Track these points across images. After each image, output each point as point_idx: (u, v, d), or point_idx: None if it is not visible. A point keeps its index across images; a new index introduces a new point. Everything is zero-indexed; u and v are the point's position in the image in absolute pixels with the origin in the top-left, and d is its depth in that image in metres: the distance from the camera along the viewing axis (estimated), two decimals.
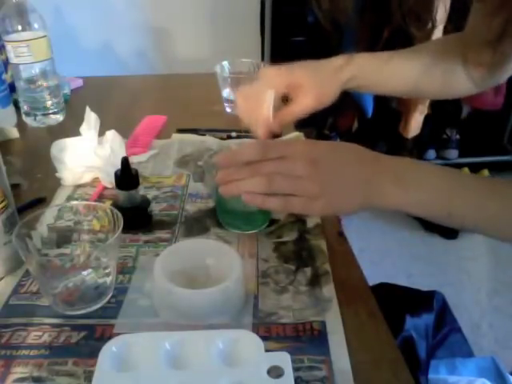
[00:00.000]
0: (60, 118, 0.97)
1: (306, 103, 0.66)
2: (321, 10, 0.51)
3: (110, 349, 0.43)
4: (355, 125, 2.27)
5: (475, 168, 2.30)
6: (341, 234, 0.64)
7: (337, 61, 0.68)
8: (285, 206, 0.51)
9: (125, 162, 0.62)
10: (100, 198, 0.71)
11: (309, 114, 0.67)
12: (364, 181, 0.50)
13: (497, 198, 0.49)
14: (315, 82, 0.66)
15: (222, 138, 0.88)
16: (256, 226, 0.64)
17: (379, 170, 0.51)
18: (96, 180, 0.74)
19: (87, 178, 0.74)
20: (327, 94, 0.67)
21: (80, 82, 1.17)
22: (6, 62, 0.93)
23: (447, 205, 0.49)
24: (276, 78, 0.65)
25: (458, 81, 0.71)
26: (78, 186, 0.73)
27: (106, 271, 0.52)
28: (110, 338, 0.46)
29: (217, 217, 0.66)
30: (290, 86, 0.65)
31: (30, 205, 0.68)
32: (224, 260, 0.53)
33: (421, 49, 0.73)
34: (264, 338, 0.45)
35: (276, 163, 0.51)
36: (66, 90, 1.08)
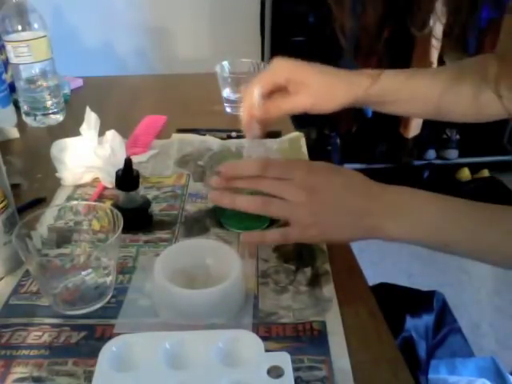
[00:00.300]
0: (60, 117, 0.97)
1: (300, 102, 0.65)
2: (343, 31, 0.50)
3: (109, 349, 0.43)
4: (355, 125, 2.27)
5: (475, 168, 2.31)
6: None
7: (360, 76, 0.66)
8: (285, 237, 0.53)
9: (128, 163, 0.62)
10: (100, 198, 0.71)
11: (300, 114, 0.67)
12: (359, 216, 0.51)
13: (496, 226, 0.49)
14: (322, 88, 0.65)
15: (222, 138, 0.88)
16: (256, 226, 0.64)
17: (377, 204, 0.51)
18: (96, 180, 0.74)
19: (87, 178, 0.74)
20: (328, 103, 0.66)
21: (80, 82, 1.17)
22: (6, 62, 0.93)
23: (444, 237, 0.50)
24: (283, 69, 0.65)
25: (489, 103, 0.66)
26: (78, 186, 0.73)
27: (106, 271, 0.52)
28: (110, 338, 0.46)
29: (217, 217, 0.66)
30: (292, 80, 0.65)
31: (29, 205, 0.68)
32: (224, 260, 0.53)
33: (446, 68, 0.71)
34: (264, 338, 0.45)
35: (274, 185, 0.52)
36: (66, 90, 1.08)
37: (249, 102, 0.65)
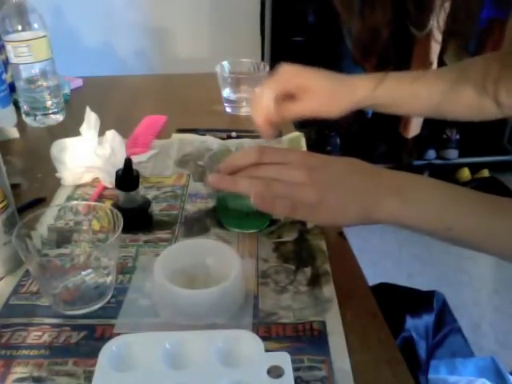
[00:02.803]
0: (60, 117, 0.97)
1: (307, 107, 0.67)
2: (351, 34, 0.50)
3: (110, 348, 0.43)
4: (355, 125, 2.27)
5: (475, 168, 2.30)
6: (341, 234, 0.64)
7: (363, 80, 0.68)
8: (291, 210, 0.50)
9: (128, 163, 0.62)
10: (100, 198, 0.71)
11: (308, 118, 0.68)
12: (363, 192, 0.49)
13: (505, 217, 0.47)
14: (326, 92, 0.67)
15: (222, 138, 0.88)
16: (256, 226, 0.64)
17: (379, 182, 0.50)
18: (96, 180, 0.74)
19: (87, 178, 0.74)
20: (333, 107, 0.68)
21: (80, 82, 1.17)
22: (6, 62, 0.93)
23: (448, 219, 0.48)
24: (292, 75, 0.67)
25: (488, 108, 0.67)
26: (78, 186, 0.73)
27: (106, 271, 0.52)
28: (110, 337, 0.46)
29: (217, 217, 0.66)
30: (299, 86, 0.67)
31: (30, 205, 0.68)
32: (224, 260, 0.53)
33: (450, 70, 0.72)
34: (264, 338, 0.45)
35: (275, 167, 0.51)
36: (66, 90, 1.08)
37: (263, 105, 0.67)
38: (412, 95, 0.70)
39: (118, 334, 0.47)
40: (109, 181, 0.71)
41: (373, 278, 0.65)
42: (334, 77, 0.69)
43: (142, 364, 0.42)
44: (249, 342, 0.43)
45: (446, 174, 2.28)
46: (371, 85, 0.66)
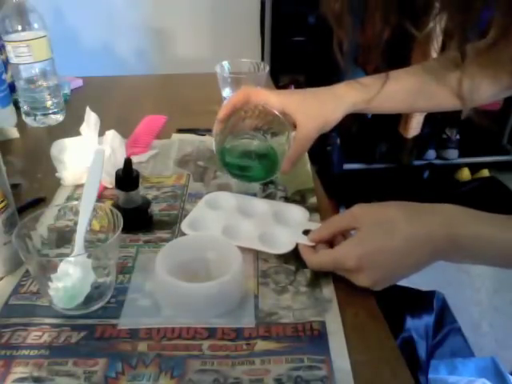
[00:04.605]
0: (60, 118, 0.97)
1: (301, 138, 0.70)
2: (341, 49, 0.52)
3: (208, 195, 0.67)
4: (355, 125, 2.27)
5: (475, 168, 2.30)
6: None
7: (340, 88, 0.71)
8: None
9: (128, 163, 0.62)
10: (100, 197, 0.71)
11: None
12: (416, 268, 0.53)
13: None
14: (311, 112, 0.70)
15: None
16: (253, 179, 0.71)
17: (433, 258, 0.52)
18: None
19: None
20: (329, 120, 0.73)
21: (80, 82, 1.17)
22: (6, 62, 0.93)
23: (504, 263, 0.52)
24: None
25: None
26: (78, 186, 0.73)
27: (106, 271, 0.52)
28: (110, 337, 0.46)
29: (220, 159, 0.70)
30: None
31: (29, 205, 0.68)
32: (224, 254, 0.54)
33: (418, 68, 0.74)
34: (264, 338, 0.45)
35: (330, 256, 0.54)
36: (66, 90, 1.08)
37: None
38: (389, 100, 0.73)
39: (119, 333, 0.48)
40: (109, 181, 0.71)
41: None
42: (311, 96, 0.72)
43: (225, 208, 0.65)
44: (297, 212, 0.64)
45: (445, 174, 2.28)
46: (355, 95, 0.71)
